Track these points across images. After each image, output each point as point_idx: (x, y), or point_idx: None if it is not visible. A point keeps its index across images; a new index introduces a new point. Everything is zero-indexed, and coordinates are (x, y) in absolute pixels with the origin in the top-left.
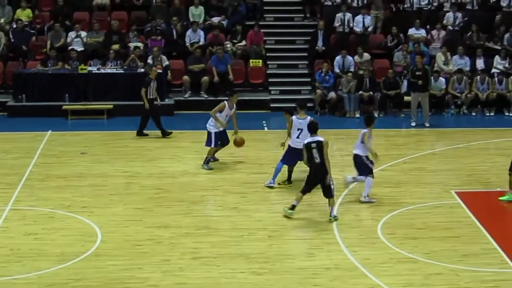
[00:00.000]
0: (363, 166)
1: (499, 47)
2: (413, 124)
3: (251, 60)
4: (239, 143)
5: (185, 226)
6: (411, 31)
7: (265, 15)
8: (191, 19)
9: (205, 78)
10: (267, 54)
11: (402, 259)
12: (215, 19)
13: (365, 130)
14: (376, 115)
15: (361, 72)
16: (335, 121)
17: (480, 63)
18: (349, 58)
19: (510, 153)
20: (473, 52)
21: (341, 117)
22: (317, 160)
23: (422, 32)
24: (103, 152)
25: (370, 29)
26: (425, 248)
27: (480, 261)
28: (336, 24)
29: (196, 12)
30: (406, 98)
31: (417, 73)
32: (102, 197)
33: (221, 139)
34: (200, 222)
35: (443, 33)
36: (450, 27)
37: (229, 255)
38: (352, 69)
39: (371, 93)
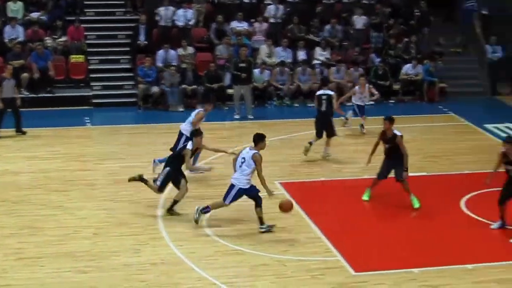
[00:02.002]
0: None
1: (318, 39)
2: (237, 116)
3: (72, 56)
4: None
5: (8, 226)
6: (233, 24)
7: (85, 10)
8: (10, 15)
9: (25, 74)
10: (88, 50)
11: (228, 251)
12: (34, 15)
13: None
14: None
15: (184, 65)
16: (158, 116)
17: (301, 55)
18: (172, 52)
19: (333, 144)
20: (295, 44)
21: (165, 111)
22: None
23: (244, 25)
24: None
25: (192, 22)
26: (251, 239)
27: (306, 250)
28: (158, 18)
29: (15, 8)
30: (229, 91)
31: (240, 65)
32: None
33: None
34: (24, 222)
35: (265, 25)
36: (272, 20)
37: (54, 255)
38: (174, 63)
39: (194, 86)
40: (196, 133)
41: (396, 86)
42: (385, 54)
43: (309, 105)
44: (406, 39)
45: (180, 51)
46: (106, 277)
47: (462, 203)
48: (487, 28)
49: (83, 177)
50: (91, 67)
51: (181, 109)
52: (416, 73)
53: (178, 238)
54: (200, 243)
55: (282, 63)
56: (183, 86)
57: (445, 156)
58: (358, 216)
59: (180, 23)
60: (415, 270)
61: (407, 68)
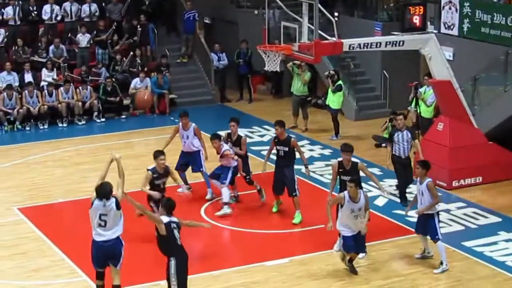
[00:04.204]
0: None
1: (44, 60)
2: None
3: None
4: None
5: None
6: None
7: None
8: None
9: None
10: None
11: None
12: None
13: None
14: None
15: None
16: None
17: (28, 77)
18: None
19: (67, 164)
20: (21, 67)
21: None
22: None
23: None
24: None
25: None
26: None
27: (50, 273)
28: None
29: None
30: None
31: None
32: None
33: None
34: None
35: None
36: None
37: None
38: None
39: None
40: None
41: (127, 101)
42: (113, 70)
43: (41, 127)
44: (131, 54)
45: None
46: None
47: (202, 211)
48: (211, 36)
49: None
50: None
51: None
52: (145, 86)
53: None
54: None
55: (9, 87)
56: None
57: None
58: None
59: None
60: (162, 282)
61: (135, 82)
